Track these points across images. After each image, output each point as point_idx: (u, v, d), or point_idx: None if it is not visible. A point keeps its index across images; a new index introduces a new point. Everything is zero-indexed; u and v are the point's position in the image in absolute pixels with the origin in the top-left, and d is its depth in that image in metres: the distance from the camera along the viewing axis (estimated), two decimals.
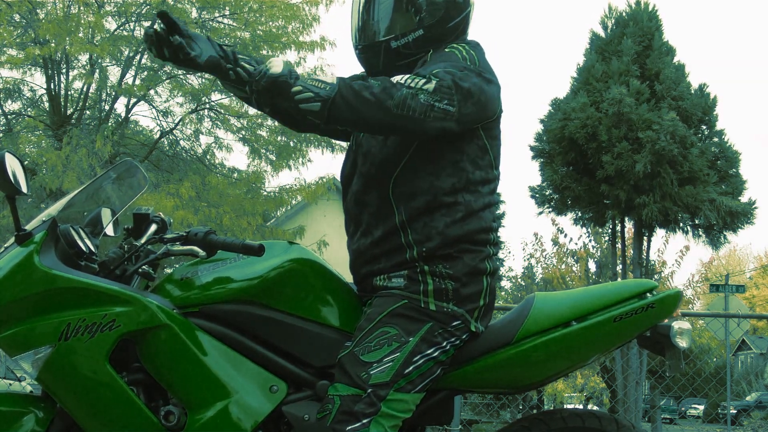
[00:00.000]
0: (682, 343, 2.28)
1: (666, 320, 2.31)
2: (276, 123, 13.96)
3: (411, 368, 2.23)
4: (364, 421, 2.19)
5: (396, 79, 2.18)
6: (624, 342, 2.35)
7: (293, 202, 16.30)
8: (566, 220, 17.72)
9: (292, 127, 2.66)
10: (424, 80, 2.16)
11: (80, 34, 12.69)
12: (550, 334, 2.28)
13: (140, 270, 2.46)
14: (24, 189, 2.26)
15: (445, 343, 2.27)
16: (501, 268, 23.98)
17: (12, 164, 2.23)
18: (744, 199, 13.51)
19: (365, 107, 2.11)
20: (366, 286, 2.40)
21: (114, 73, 14.04)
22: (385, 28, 2.38)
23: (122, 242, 2.53)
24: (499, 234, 2.43)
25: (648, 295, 2.31)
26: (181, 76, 14.09)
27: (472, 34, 2.50)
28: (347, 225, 2.46)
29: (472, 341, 2.33)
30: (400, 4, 2.36)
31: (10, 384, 12.08)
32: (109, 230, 2.69)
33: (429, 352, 2.25)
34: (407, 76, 2.19)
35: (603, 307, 2.29)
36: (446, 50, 2.33)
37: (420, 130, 2.17)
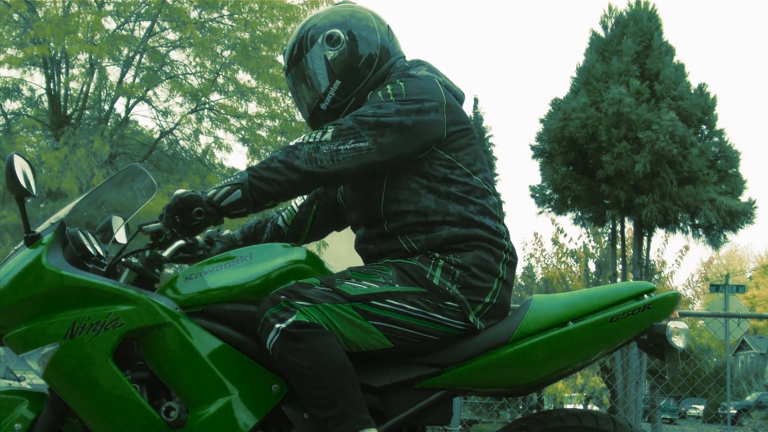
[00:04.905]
0: (679, 343, 2.28)
1: (663, 321, 2.31)
2: (276, 123, 14.01)
3: (379, 303, 2.27)
4: (301, 302, 2.23)
5: (295, 140, 2.34)
6: (621, 343, 2.35)
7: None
8: (566, 220, 17.77)
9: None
10: (321, 132, 2.33)
11: (79, 34, 12.69)
12: (546, 334, 2.28)
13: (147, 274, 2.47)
14: (34, 190, 2.32)
15: (431, 313, 2.29)
16: None
17: (21, 166, 2.29)
18: (744, 198, 13.52)
19: (280, 175, 2.28)
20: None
21: (113, 72, 14.06)
22: (311, 96, 2.57)
23: (147, 252, 2.49)
24: (512, 243, 2.47)
25: (645, 296, 2.32)
26: (180, 76, 14.10)
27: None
28: (363, 259, 2.56)
29: (469, 339, 2.33)
30: (309, 70, 2.55)
31: (10, 384, 12.10)
32: (120, 237, 2.73)
33: (406, 306, 2.28)
34: (305, 134, 2.35)
35: (600, 308, 2.30)
36: (377, 93, 2.44)
37: (339, 175, 2.31)
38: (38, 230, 2.40)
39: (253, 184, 2.27)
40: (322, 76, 2.53)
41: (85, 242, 2.50)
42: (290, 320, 2.20)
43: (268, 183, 2.27)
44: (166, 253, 2.40)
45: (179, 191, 2.28)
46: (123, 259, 2.44)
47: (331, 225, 2.82)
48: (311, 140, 2.30)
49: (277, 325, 2.20)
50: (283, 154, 2.30)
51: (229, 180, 2.30)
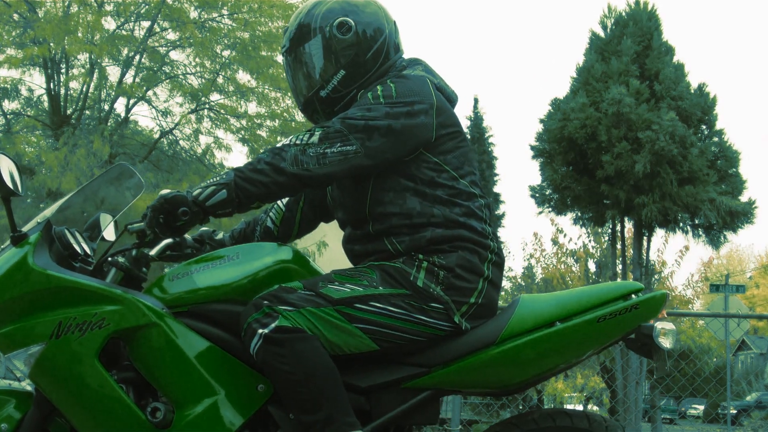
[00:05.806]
0: (666, 343, 2.28)
1: (651, 321, 2.31)
2: (276, 123, 14.01)
3: (363, 306, 2.26)
4: (284, 307, 2.22)
5: (282, 142, 2.33)
6: (609, 343, 2.34)
7: None
8: (566, 220, 17.74)
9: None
10: (308, 134, 2.31)
11: (79, 34, 12.70)
12: (533, 334, 2.28)
13: (134, 273, 2.47)
14: (20, 190, 2.31)
15: (415, 315, 2.28)
16: None
17: (7, 166, 2.28)
18: (744, 198, 13.54)
19: (265, 177, 2.27)
20: None
21: (113, 72, 14.07)
22: (311, 82, 2.52)
23: (134, 251, 2.49)
24: (500, 244, 2.46)
25: (633, 296, 2.31)
26: (180, 76, 14.11)
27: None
28: (349, 258, 2.56)
29: (456, 339, 2.32)
30: (314, 55, 2.49)
31: (10, 384, 12.10)
32: (108, 234, 2.72)
33: (390, 308, 2.27)
34: (292, 136, 2.34)
35: (588, 308, 2.29)
36: (366, 93, 2.41)
37: (325, 178, 2.30)
38: (25, 229, 2.39)
39: (238, 184, 2.26)
40: (327, 63, 2.48)
41: (72, 241, 2.49)
42: (273, 325, 2.19)
43: (253, 184, 2.26)
44: (153, 252, 2.40)
45: (164, 191, 2.28)
46: (110, 259, 2.44)
47: (318, 219, 2.82)
48: (298, 142, 2.29)
49: (260, 331, 2.20)
50: (269, 155, 2.29)
51: (215, 179, 2.29)
